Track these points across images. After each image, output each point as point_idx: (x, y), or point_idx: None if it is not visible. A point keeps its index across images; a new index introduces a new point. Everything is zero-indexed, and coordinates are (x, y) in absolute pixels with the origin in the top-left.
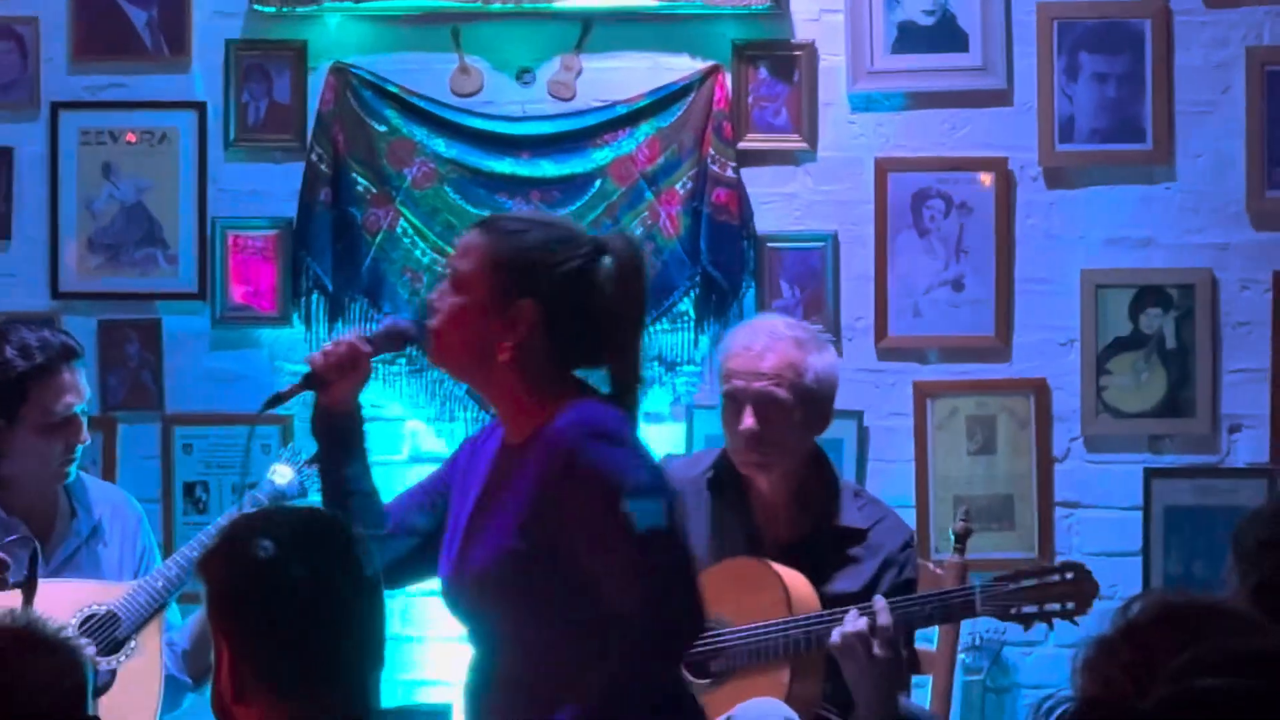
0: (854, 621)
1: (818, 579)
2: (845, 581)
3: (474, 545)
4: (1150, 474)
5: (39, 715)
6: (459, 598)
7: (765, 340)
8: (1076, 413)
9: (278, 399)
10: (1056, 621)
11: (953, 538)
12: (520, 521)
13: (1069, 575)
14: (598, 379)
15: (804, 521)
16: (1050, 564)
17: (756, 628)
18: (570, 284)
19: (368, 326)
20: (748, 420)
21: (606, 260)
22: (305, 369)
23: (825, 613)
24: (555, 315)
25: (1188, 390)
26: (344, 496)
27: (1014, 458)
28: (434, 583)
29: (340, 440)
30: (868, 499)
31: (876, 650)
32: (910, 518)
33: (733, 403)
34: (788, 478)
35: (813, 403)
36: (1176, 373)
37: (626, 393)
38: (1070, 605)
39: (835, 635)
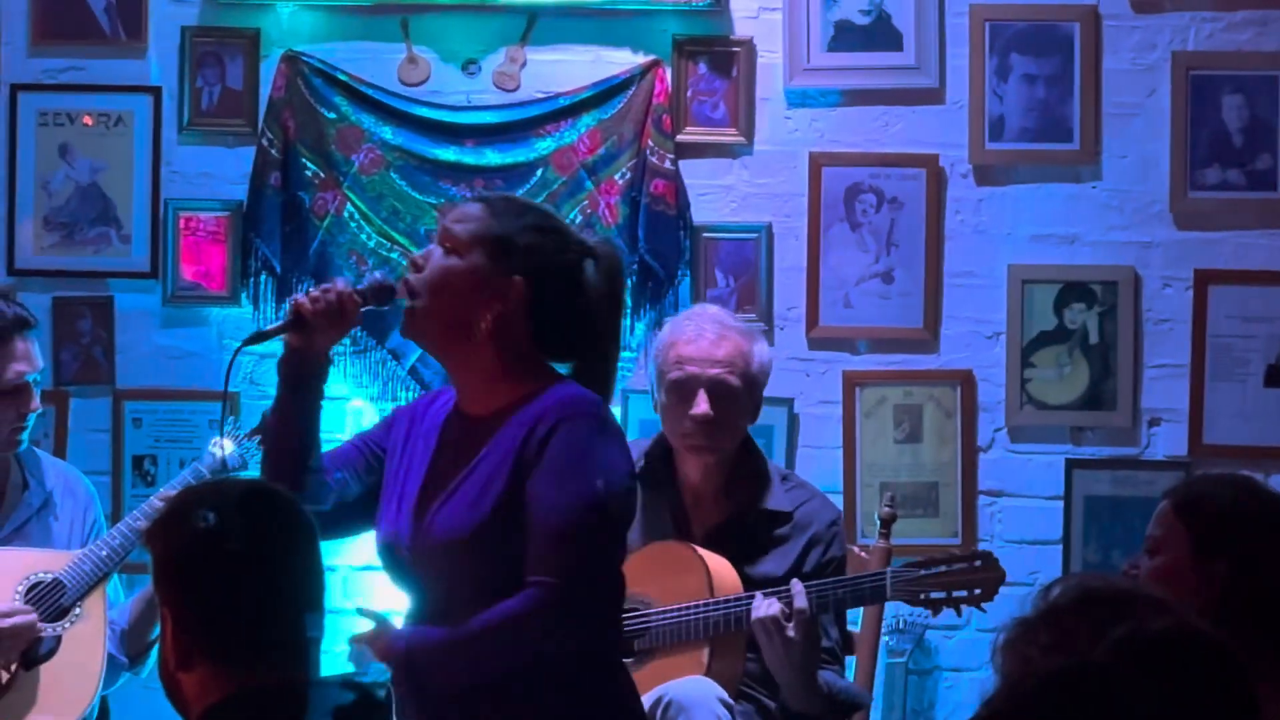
0: (768, 606)
1: (745, 561)
2: (772, 563)
3: (439, 512)
4: (1071, 464)
5: None
6: (413, 562)
7: (717, 329)
8: (1001, 404)
9: (260, 336)
10: (978, 606)
11: (878, 523)
12: (495, 491)
13: (977, 563)
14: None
15: (731, 506)
16: (960, 552)
17: (678, 609)
18: (559, 274)
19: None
20: (702, 405)
21: (591, 263)
22: (257, 349)
23: (744, 595)
24: (540, 298)
25: (1109, 384)
26: (289, 438)
27: (940, 446)
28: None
29: (303, 384)
30: (795, 482)
31: (791, 633)
32: (838, 503)
33: (682, 388)
34: (721, 464)
35: (754, 390)
36: (1099, 367)
37: (597, 388)
38: (978, 592)
39: (753, 616)
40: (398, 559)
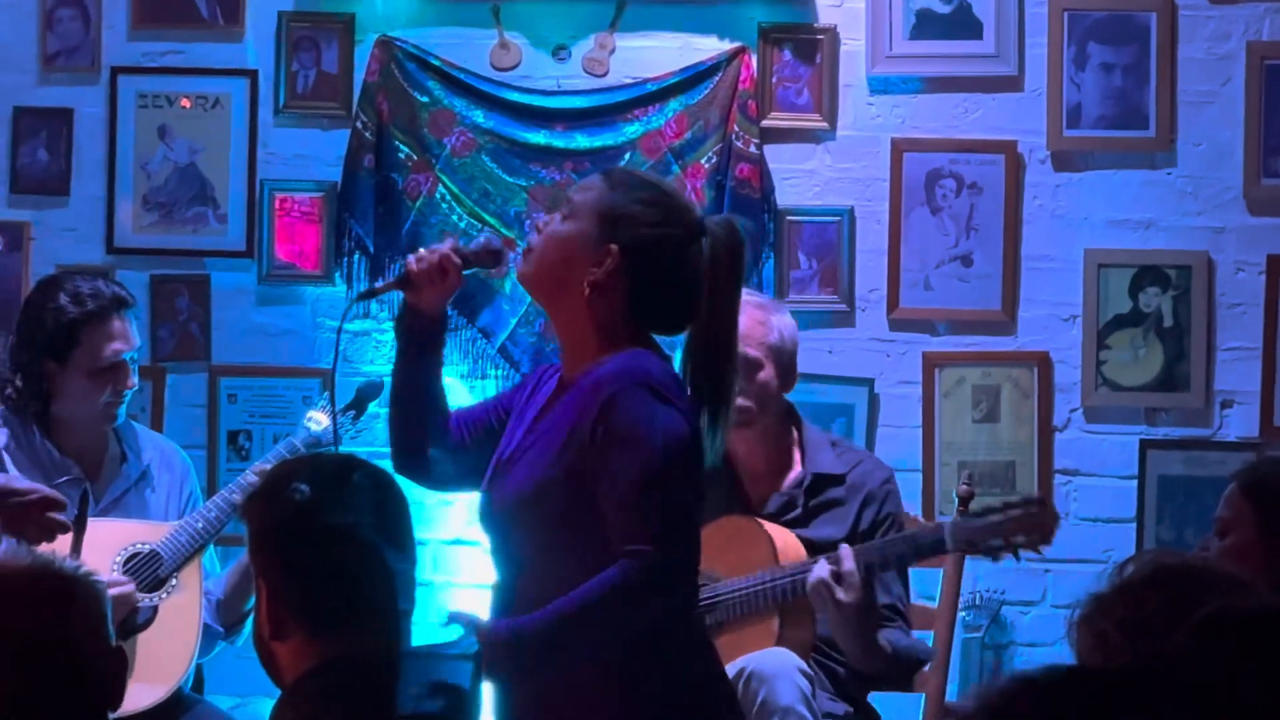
0: (820, 570)
1: (804, 526)
2: (830, 526)
3: (514, 470)
4: (1145, 445)
5: (58, 647)
6: (491, 518)
7: None
8: (1077, 385)
9: (371, 292)
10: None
11: (956, 501)
12: (555, 452)
13: (1031, 509)
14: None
15: (783, 474)
16: (1013, 499)
17: (746, 581)
18: (658, 247)
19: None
20: None
21: (703, 241)
22: (350, 328)
23: (805, 562)
24: (635, 269)
25: (1183, 366)
26: (412, 395)
27: (1016, 426)
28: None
29: (419, 341)
30: (845, 446)
31: (841, 595)
32: (916, 481)
33: None
34: (764, 435)
35: (780, 359)
36: (1173, 349)
37: (711, 366)
38: (1035, 536)
39: (808, 584)
40: (482, 518)
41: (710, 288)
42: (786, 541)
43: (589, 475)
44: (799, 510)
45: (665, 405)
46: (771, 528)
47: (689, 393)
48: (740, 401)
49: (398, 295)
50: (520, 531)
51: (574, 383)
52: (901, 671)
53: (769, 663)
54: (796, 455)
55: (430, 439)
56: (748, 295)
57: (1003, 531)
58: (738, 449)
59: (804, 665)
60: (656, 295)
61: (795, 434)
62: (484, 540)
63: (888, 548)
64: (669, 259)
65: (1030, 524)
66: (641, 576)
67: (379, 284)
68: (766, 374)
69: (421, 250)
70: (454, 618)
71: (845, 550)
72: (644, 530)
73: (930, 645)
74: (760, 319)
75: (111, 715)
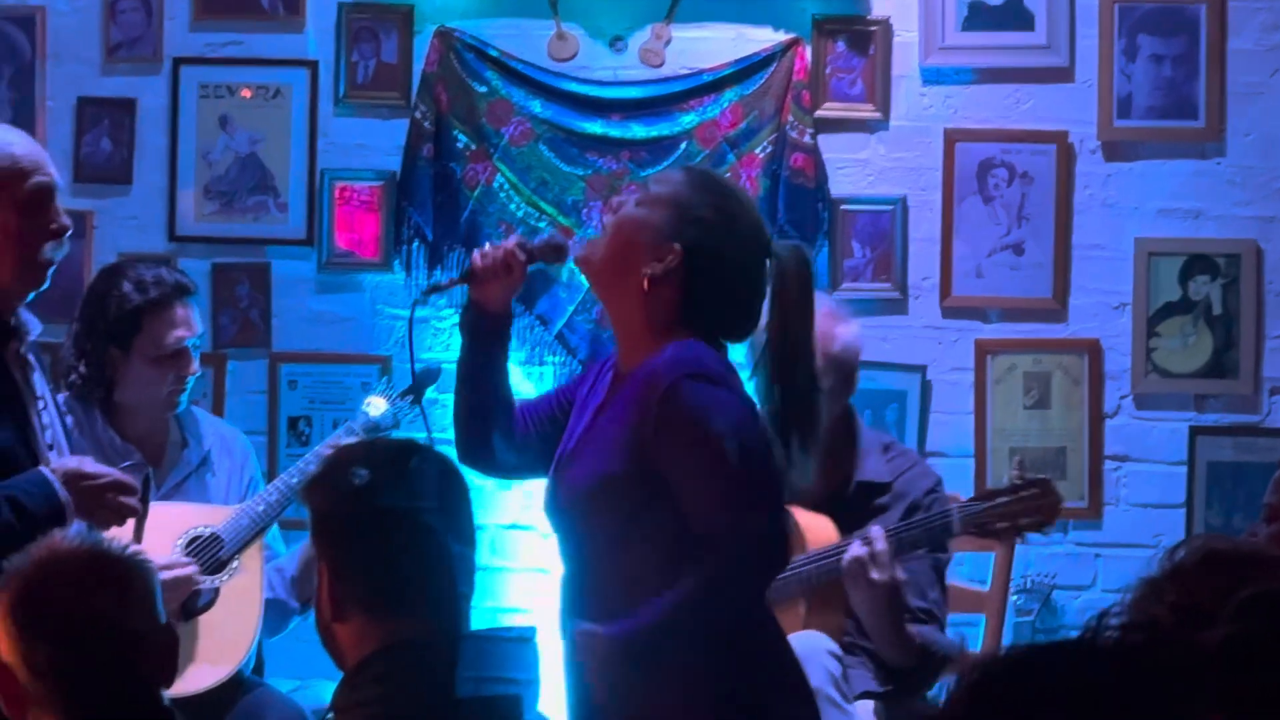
0: (856, 548)
1: (848, 531)
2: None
3: (575, 464)
4: (1195, 431)
5: (110, 626)
6: (556, 512)
7: None
8: (1127, 372)
9: (436, 288)
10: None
11: (1008, 486)
12: (614, 446)
13: (1036, 491)
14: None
15: (833, 477)
16: (1019, 481)
17: None
18: (718, 256)
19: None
20: None
21: (768, 264)
22: (402, 313)
23: (831, 546)
24: (694, 273)
25: (1232, 353)
26: (477, 388)
27: (1067, 413)
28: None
29: (484, 336)
30: (897, 451)
31: (874, 575)
32: (969, 467)
33: None
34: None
35: (840, 369)
36: (1222, 337)
37: (791, 400)
38: (1039, 518)
39: (843, 564)
40: (547, 512)
41: (780, 315)
42: (815, 528)
43: (652, 469)
44: (842, 514)
45: (721, 389)
46: (802, 514)
47: (770, 421)
48: None
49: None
50: (584, 525)
51: (629, 376)
52: (928, 666)
53: (799, 645)
54: (844, 459)
55: (495, 430)
56: (820, 300)
57: (1008, 514)
58: None
59: (834, 648)
60: (710, 302)
61: (848, 438)
62: (546, 528)
63: (903, 531)
64: (728, 270)
65: (1034, 506)
66: (728, 566)
67: (444, 280)
68: (827, 382)
69: (486, 246)
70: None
71: (877, 530)
72: (720, 522)
73: (959, 643)
74: (827, 330)
75: (167, 693)
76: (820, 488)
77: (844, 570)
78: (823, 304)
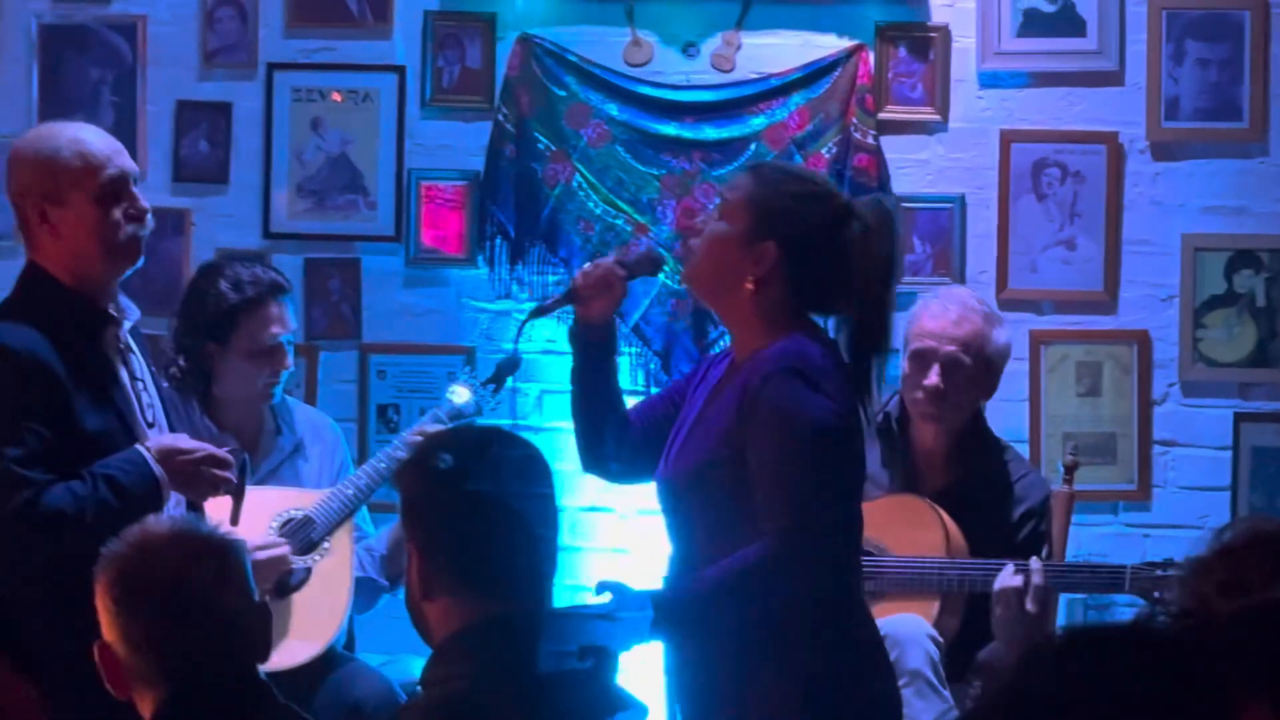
0: (1012, 577)
1: (965, 527)
2: (989, 531)
3: (684, 450)
4: (1240, 418)
5: (207, 603)
6: (664, 495)
7: (960, 310)
8: (1174, 361)
9: (541, 310)
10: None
11: (1061, 470)
12: (720, 431)
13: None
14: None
15: (956, 471)
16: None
17: (915, 561)
18: (812, 236)
19: (546, 266)
20: (933, 378)
21: (854, 223)
22: (486, 306)
23: (982, 561)
24: (794, 261)
25: (1275, 343)
26: (591, 401)
27: (1117, 400)
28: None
29: (593, 351)
30: (1014, 455)
31: (1029, 605)
32: (1024, 452)
33: (921, 359)
34: (950, 432)
35: (987, 371)
36: (1265, 328)
37: (865, 343)
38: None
39: (996, 584)
40: (658, 495)
41: (863, 266)
42: (957, 535)
43: (747, 451)
44: (963, 509)
45: (814, 392)
46: (947, 518)
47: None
48: (942, 398)
49: (537, 278)
50: (689, 507)
51: (741, 367)
52: None
53: (902, 628)
54: (972, 456)
55: (610, 438)
56: (979, 304)
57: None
58: (920, 436)
59: (934, 633)
60: (818, 281)
61: (976, 436)
62: (624, 510)
63: (1071, 577)
64: (824, 245)
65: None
66: (776, 554)
67: (548, 301)
68: (970, 382)
69: (587, 265)
70: (603, 586)
71: (1036, 564)
72: (781, 511)
73: None
74: (983, 331)
75: (263, 667)
76: (944, 480)
77: (998, 593)
78: (983, 308)
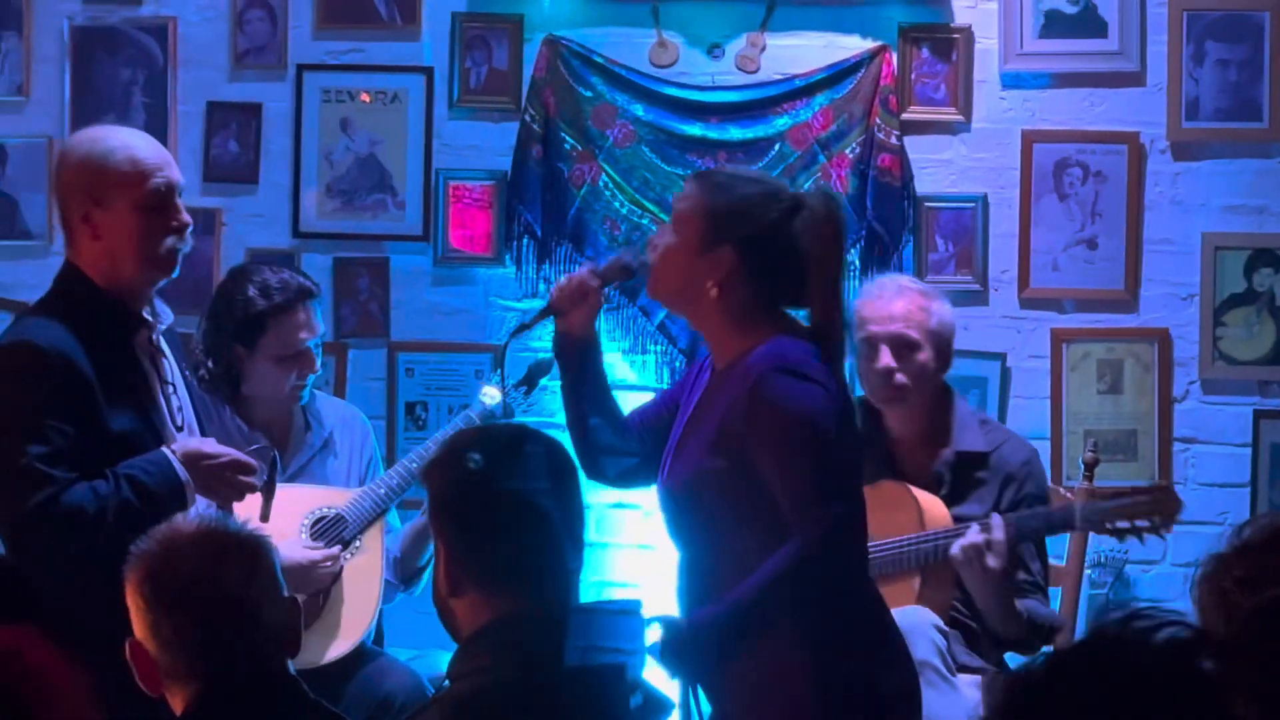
0: (972, 535)
1: (950, 503)
2: (974, 505)
3: (678, 460)
4: (1259, 415)
5: (237, 600)
6: (664, 505)
7: (895, 289)
8: (1195, 359)
9: (523, 327)
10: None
11: (1082, 467)
12: (710, 442)
13: (1157, 494)
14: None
15: (934, 451)
16: (1141, 485)
17: (892, 541)
18: (767, 234)
19: (573, 265)
20: (884, 359)
21: (804, 214)
22: (513, 305)
23: (950, 528)
24: (752, 260)
25: None
26: (584, 412)
27: (1138, 397)
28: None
29: (577, 360)
30: (992, 426)
31: (990, 562)
32: (1046, 449)
33: (869, 345)
34: (917, 413)
35: (938, 343)
36: None
37: (825, 329)
38: (1158, 520)
39: (955, 548)
40: (660, 504)
41: (815, 253)
42: (933, 508)
43: (748, 459)
44: (945, 489)
45: (805, 382)
46: (920, 494)
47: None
48: (898, 379)
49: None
50: (690, 516)
51: (723, 373)
52: (1036, 637)
53: (907, 619)
54: (945, 432)
55: (604, 444)
56: (911, 283)
57: (1129, 514)
58: (893, 423)
59: (940, 623)
60: (778, 275)
61: (946, 412)
62: (649, 507)
63: (1023, 522)
64: (781, 240)
65: (1155, 508)
66: (815, 545)
67: (528, 319)
68: (925, 356)
69: (560, 279)
70: (656, 620)
71: (997, 520)
72: (808, 503)
73: (1062, 616)
74: (923, 305)
75: (295, 664)
76: (924, 460)
77: (959, 556)
78: (918, 284)
